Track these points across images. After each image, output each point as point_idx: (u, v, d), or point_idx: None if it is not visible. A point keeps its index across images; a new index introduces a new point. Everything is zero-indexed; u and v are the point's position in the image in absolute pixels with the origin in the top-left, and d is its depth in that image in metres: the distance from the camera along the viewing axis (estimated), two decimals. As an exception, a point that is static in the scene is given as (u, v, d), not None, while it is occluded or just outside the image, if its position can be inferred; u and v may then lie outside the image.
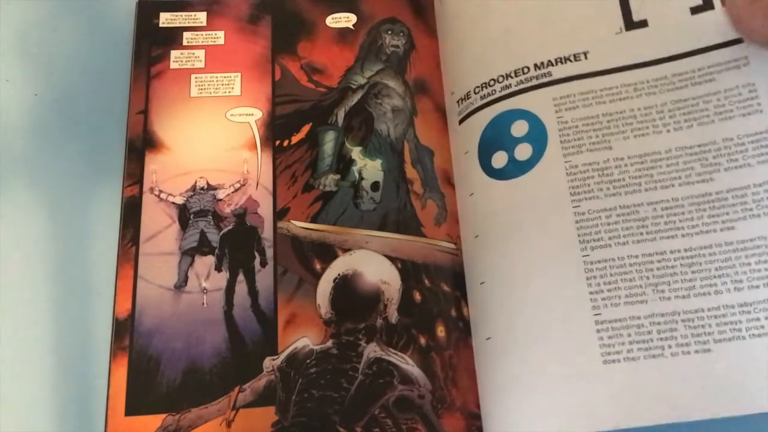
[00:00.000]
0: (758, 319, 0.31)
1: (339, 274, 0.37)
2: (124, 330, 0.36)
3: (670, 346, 0.32)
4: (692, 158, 0.34)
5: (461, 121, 0.40)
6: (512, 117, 0.38)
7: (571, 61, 0.38)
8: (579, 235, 0.35)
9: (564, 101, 0.37)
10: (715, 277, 0.32)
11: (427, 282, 0.38)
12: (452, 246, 0.39)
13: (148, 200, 0.38)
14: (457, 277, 0.38)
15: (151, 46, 0.42)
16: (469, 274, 0.38)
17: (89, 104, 0.42)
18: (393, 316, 0.37)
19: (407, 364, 0.36)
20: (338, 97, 0.42)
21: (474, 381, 0.36)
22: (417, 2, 0.44)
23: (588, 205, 0.35)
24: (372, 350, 0.36)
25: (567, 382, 0.33)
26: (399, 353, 0.36)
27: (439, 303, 0.37)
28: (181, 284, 0.37)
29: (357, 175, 0.40)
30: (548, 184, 0.36)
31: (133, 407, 0.34)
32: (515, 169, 0.37)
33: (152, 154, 0.39)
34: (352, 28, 0.43)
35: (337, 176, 0.40)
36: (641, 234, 0.34)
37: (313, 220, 0.39)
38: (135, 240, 0.37)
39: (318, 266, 0.38)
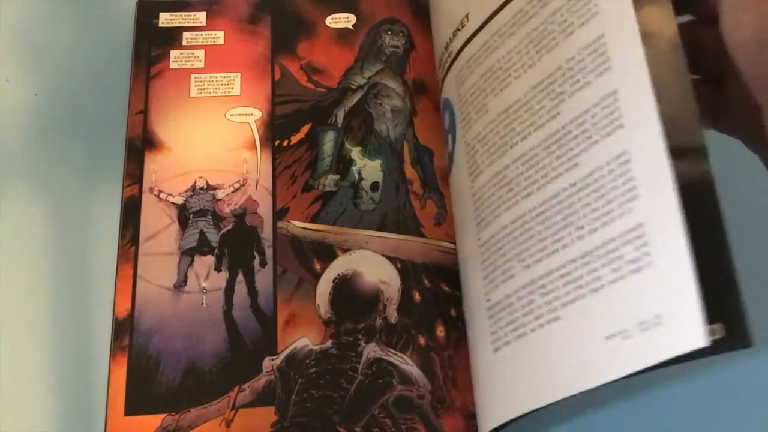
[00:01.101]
0: (596, 270, 0.27)
1: (338, 274, 0.37)
2: (124, 330, 0.36)
3: (530, 322, 0.29)
4: (542, 95, 0.30)
5: None
6: (444, 110, 0.38)
7: (459, 29, 0.35)
8: (475, 218, 0.33)
9: (460, 75, 0.35)
10: (562, 229, 0.28)
11: (426, 282, 0.38)
12: (452, 246, 0.39)
13: (147, 200, 0.38)
14: (456, 277, 0.38)
15: (151, 46, 0.42)
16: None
17: (89, 104, 0.42)
18: (392, 316, 0.37)
19: (407, 364, 0.36)
20: (338, 98, 0.42)
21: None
22: (417, 2, 0.44)
23: (478, 182, 0.33)
24: (371, 350, 0.36)
25: (475, 376, 0.33)
26: (398, 353, 0.36)
27: (439, 303, 0.37)
28: (180, 284, 0.37)
29: (356, 175, 0.40)
30: (459, 171, 0.35)
31: (133, 407, 0.34)
32: (449, 163, 0.37)
33: (152, 154, 0.39)
34: (351, 28, 0.43)
35: (337, 176, 0.40)
36: (509, 200, 0.31)
37: (313, 220, 0.39)
38: (134, 240, 0.37)
39: (317, 266, 0.38)
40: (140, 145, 0.39)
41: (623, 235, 0.26)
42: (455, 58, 0.35)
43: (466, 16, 0.35)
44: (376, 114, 0.41)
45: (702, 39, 0.29)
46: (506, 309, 0.30)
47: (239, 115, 0.40)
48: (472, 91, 0.34)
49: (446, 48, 0.36)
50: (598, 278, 0.27)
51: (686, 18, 0.31)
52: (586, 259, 0.27)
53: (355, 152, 0.40)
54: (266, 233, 0.38)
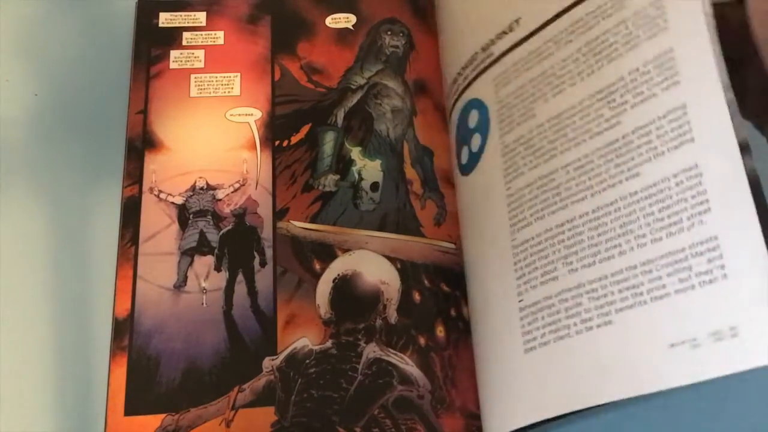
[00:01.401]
0: (660, 278, 0.27)
1: (338, 275, 0.38)
2: (124, 330, 0.36)
3: (575, 324, 0.29)
4: (601, 103, 0.30)
5: (450, 120, 0.40)
6: (468, 108, 0.37)
7: (506, 33, 0.35)
8: (509, 218, 0.33)
9: (501, 78, 0.35)
10: (619, 236, 0.29)
11: (426, 282, 0.38)
12: (452, 246, 0.39)
13: (147, 200, 0.38)
14: (457, 277, 0.38)
15: (151, 46, 0.42)
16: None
17: (89, 104, 0.42)
18: (392, 316, 0.37)
19: (406, 364, 0.36)
20: (338, 98, 0.42)
21: (473, 381, 0.36)
22: (417, 2, 0.44)
23: (516, 184, 0.33)
24: (371, 350, 0.36)
25: (496, 375, 0.32)
26: (398, 353, 0.36)
27: (439, 303, 0.37)
28: (180, 284, 0.37)
29: (356, 175, 0.40)
30: (490, 171, 0.35)
31: (133, 407, 0.34)
32: (472, 161, 0.36)
33: (152, 154, 0.39)
34: (351, 28, 0.43)
35: (337, 176, 0.40)
36: (555, 203, 0.31)
37: (313, 221, 0.39)
38: (134, 240, 0.37)
39: (317, 266, 0.38)
40: (140, 145, 0.39)
41: (693, 246, 0.26)
42: (496, 60, 0.35)
43: (516, 20, 0.35)
44: (376, 114, 0.41)
45: (726, 17, 0.28)
46: (545, 310, 0.30)
47: (239, 115, 0.41)
48: (516, 94, 0.34)
49: (484, 49, 0.36)
50: (661, 287, 0.27)
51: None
52: (647, 267, 0.27)
53: (355, 152, 0.40)
54: (266, 233, 0.38)
